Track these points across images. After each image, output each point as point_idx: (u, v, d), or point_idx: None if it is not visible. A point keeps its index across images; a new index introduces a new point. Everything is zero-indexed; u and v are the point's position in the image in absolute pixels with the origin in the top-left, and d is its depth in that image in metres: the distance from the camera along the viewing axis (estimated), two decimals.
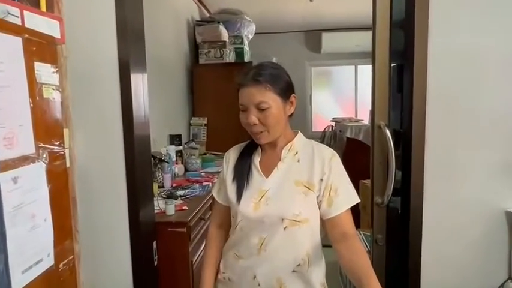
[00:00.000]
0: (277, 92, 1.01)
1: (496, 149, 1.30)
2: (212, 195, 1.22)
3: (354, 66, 5.43)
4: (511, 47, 1.27)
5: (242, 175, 1.09)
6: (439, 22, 1.28)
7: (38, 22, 1.06)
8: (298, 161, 1.07)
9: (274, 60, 4.93)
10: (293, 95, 1.06)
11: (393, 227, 1.45)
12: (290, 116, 1.09)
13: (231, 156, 1.16)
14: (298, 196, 1.03)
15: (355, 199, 1.05)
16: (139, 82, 1.51)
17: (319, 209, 1.05)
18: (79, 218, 1.45)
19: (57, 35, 1.13)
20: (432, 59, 1.28)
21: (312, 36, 5.35)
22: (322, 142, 4.44)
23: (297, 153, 1.09)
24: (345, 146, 3.91)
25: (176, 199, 1.95)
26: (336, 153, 1.09)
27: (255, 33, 4.07)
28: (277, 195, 1.04)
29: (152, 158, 2.29)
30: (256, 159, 1.11)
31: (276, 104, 1.01)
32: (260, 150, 1.12)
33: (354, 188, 1.07)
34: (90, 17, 1.43)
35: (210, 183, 2.37)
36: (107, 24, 1.42)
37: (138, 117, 1.48)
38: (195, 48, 3.62)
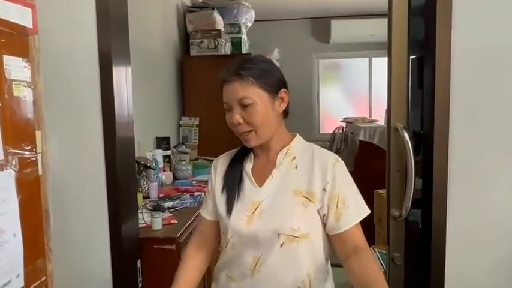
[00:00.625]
0: (262, 87, 1.03)
1: None
2: None
3: (367, 59, 5.45)
4: None
5: (233, 185, 1.10)
6: (464, 8, 1.29)
7: (8, 9, 1.07)
8: (296, 167, 1.08)
9: (276, 51, 4.96)
10: (283, 89, 1.07)
11: (413, 244, 1.46)
12: (285, 115, 1.11)
13: (220, 164, 1.17)
14: (297, 208, 1.03)
15: (365, 210, 1.06)
16: (122, 77, 1.52)
17: (325, 223, 1.05)
18: (52, 234, 1.46)
19: (29, 25, 1.14)
20: (457, 50, 1.30)
21: (319, 24, 5.37)
22: (331, 146, 4.51)
23: (294, 158, 1.09)
24: (357, 150, 3.93)
25: (164, 211, 1.96)
26: (339, 158, 1.09)
27: (255, 21, 4.09)
28: (273, 207, 1.05)
29: (136, 164, 2.31)
30: (248, 166, 1.12)
31: (262, 100, 1.02)
32: (252, 156, 1.13)
33: (361, 197, 1.07)
34: (66, 2, 1.44)
35: (203, 193, 2.37)
36: (85, 10, 1.43)
37: (120, 116, 1.49)
38: (185, 38, 3.64)
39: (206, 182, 2.65)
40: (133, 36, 1.64)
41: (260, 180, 1.09)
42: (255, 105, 1.02)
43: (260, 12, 4.24)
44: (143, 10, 2.81)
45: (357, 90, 5.53)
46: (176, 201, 2.19)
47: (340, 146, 4.28)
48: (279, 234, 1.02)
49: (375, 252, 2.34)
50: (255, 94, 1.02)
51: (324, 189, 1.04)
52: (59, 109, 1.47)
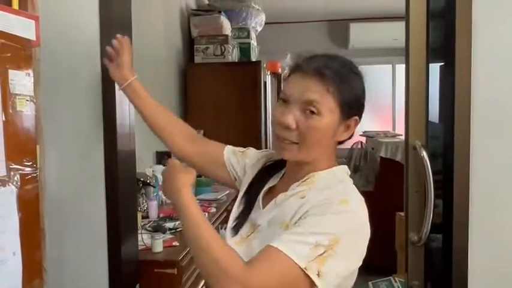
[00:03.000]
0: (339, 102, 0.96)
1: None
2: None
3: (391, 66, 5.54)
4: None
5: (250, 202, 1.09)
6: (486, 12, 1.36)
7: (12, 23, 1.19)
8: (303, 197, 0.98)
9: (288, 57, 5.07)
10: (356, 117, 1.01)
11: (433, 272, 1.52)
12: (339, 143, 1.05)
13: (262, 159, 1.17)
14: None
15: (298, 255, 0.86)
16: None
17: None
18: (48, 254, 1.56)
19: (33, 37, 1.26)
20: (478, 58, 1.36)
21: (337, 28, 5.49)
22: (348, 162, 4.57)
23: (309, 189, 1.00)
24: (378, 168, 3.99)
25: (164, 233, 2.04)
26: (354, 202, 0.95)
27: (265, 24, 4.21)
28: (263, 237, 0.99)
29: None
30: (271, 182, 1.09)
31: (331, 116, 0.96)
32: (282, 174, 1.10)
33: (312, 247, 0.87)
34: (69, 10, 1.56)
35: (206, 214, 2.46)
36: (88, 16, 1.55)
37: (122, 127, 1.59)
38: (189, 43, 3.77)
39: (210, 201, 2.77)
40: (133, 42, 1.75)
41: (268, 200, 1.06)
42: (320, 118, 0.95)
43: (271, 14, 4.37)
44: (143, 14, 2.94)
45: (379, 100, 5.59)
46: (177, 222, 2.26)
47: (359, 163, 4.34)
48: None
49: (396, 282, 2.39)
50: (327, 105, 0.95)
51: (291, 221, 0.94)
52: (58, 121, 1.58)
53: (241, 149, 1.27)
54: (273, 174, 1.11)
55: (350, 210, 0.93)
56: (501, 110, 1.39)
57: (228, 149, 1.26)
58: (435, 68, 1.54)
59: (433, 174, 1.44)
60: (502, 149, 1.40)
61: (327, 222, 0.90)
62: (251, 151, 1.25)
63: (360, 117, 1.03)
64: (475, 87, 1.38)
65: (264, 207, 1.06)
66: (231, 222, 1.11)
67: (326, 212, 0.91)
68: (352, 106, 0.99)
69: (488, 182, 1.40)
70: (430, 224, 1.43)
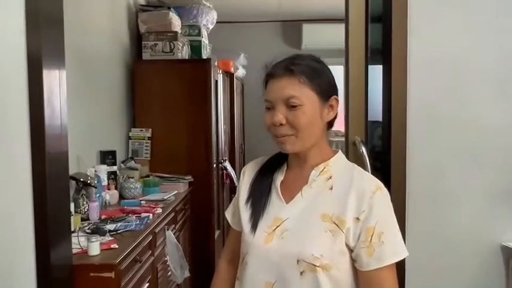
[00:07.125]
0: (314, 89, 1.05)
1: (489, 172, 1.43)
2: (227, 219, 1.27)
3: (343, 67, 5.64)
4: (504, 52, 1.41)
5: (259, 198, 1.13)
6: (420, 17, 1.41)
7: None
8: (331, 188, 1.08)
9: (242, 57, 5.06)
10: (334, 96, 1.10)
11: None
12: (330, 126, 1.14)
13: (248, 171, 1.21)
14: (324, 234, 1.04)
15: (403, 251, 1.05)
16: (54, 81, 1.53)
17: (355, 257, 1.04)
18: None
19: None
20: (413, 60, 1.41)
21: (290, 28, 5.54)
22: None
23: (330, 178, 1.10)
24: None
25: (104, 235, 1.96)
26: (382, 186, 1.09)
27: (217, 22, 4.17)
28: (297, 228, 1.06)
29: (75, 182, 2.30)
30: (279, 178, 1.14)
31: (311, 103, 1.05)
32: (285, 168, 1.15)
33: (401, 237, 1.07)
34: None
35: (151, 215, 2.38)
36: (14, 11, 1.44)
37: (51, 127, 1.50)
38: (137, 39, 3.67)
39: (157, 201, 2.69)
40: (73, 38, 1.66)
41: (288, 195, 1.11)
42: (303, 107, 1.04)
43: (224, 13, 4.33)
44: (86, 8, 2.83)
45: None
46: (119, 224, 2.18)
47: None
48: (298, 261, 1.03)
49: None
50: (305, 95, 1.04)
51: (357, 219, 1.03)
52: None
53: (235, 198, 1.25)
54: (274, 171, 1.16)
55: (386, 193, 1.08)
56: (435, 110, 1.43)
57: (233, 220, 1.24)
58: (376, 69, 1.56)
59: (376, 171, 1.45)
60: (437, 147, 1.43)
61: (391, 216, 1.07)
62: (241, 182, 1.23)
63: (338, 95, 1.11)
64: (411, 88, 1.42)
65: (287, 201, 1.10)
66: (248, 223, 1.13)
67: (385, 207, 1.06)
68: (327, 88, 1.08)
69: (424, 179, 1.43)
70: None
